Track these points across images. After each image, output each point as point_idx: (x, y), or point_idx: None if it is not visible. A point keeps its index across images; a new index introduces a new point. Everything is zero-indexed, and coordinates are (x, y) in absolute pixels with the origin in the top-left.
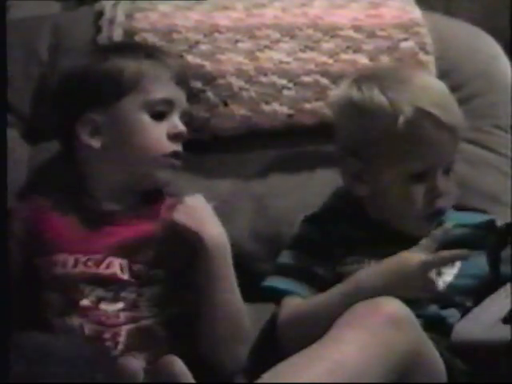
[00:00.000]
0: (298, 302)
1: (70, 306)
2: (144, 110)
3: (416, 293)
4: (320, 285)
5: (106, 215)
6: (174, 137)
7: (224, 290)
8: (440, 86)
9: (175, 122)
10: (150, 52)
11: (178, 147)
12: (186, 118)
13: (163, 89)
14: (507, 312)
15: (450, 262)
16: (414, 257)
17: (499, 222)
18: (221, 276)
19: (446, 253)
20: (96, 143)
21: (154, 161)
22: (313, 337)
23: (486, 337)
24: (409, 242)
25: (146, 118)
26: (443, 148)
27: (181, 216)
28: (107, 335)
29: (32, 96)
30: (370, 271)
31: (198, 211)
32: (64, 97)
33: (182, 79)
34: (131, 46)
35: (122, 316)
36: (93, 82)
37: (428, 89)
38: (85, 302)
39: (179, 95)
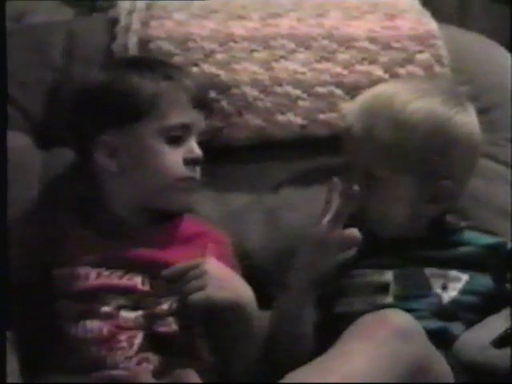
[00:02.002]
0: None
1: (90, 312)
2: (160, 135)
3: (333, 252)
4: (325, 301)
5: (125, 230)
6: (190, 162)
7: (256, 329)
8: (373, 94)
9: (191, 147)
10: (167, 72)
11: (194, 172)
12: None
13: (180, 113)
14: (496, 336)
15: (343, 209)
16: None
17: (510, 245)
18: (255, 321)
19: (339, 203)
20: (112, 166)
21: (170, 185)
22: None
23: (478, 359)
24: (413, 254)
25: (162, 144)
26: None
27: (214, 292)
28: (123, 337)
29: (45, 102)
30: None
31: (227, 279)
32: (80, 117)
33: (199, 102)
34: (149, 64)
35: (140, 322)
36: (109, 103)
37: (363, 96)
38: (106, 309)
39: (197, 119)
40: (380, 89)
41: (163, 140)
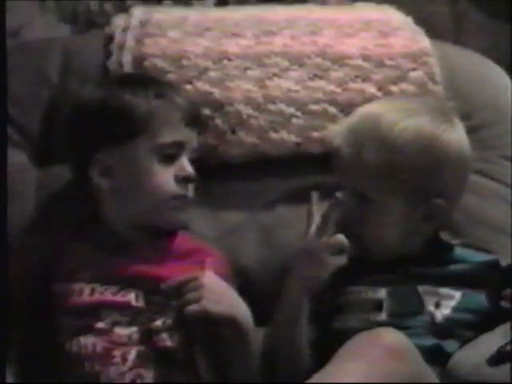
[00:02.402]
0: None
1: (85, 328)
2: (153, 153)
3: (323, 260)
4: (320, 318)
5: (120, 246)
6: (182, 180)
7: (252, 345)
8: (360, 116)
9: (183, 165)
10: (160, 90)
11: (186, 190)
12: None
13: (173, 131)
14: (492, 354)
15: (327, 216)
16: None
17: (503, 262)
18: (251, 337)
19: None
20: (105, 184)
21: (162, 204)
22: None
23: (473, 377)
24: (406, 272)
25: (154, 162)
26: (343, 169)
27: (210, 305)
28: (117, 353)
29: (42, 119)
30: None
31: (224, 294)
32: (74, 136)
33: (192, 119)
34: (141, 82)
35: (134, 338)
36: (102, 123)
37: (350, 118)
38: (100, 325)
39: (189, 136)
40: (367, 110)
41: (155, 158)
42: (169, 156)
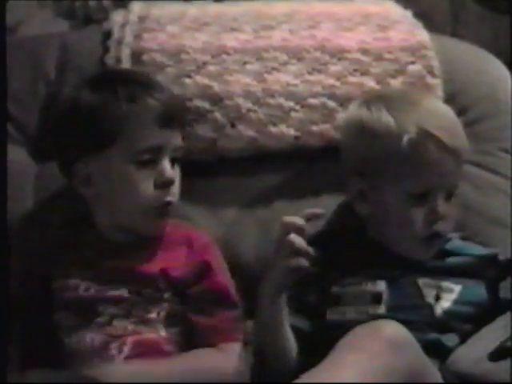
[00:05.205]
0: None
1: (84, 323)
2: (129, 160)
3: (279, 264)
4: (311, 311)
5: (111, 246)
6: (162, 185)
7: None
8: (446, 110)
9: (163, 170)
10: (130, 93)
11: (167, 196)
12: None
13: (147, 136)
14: (493, 349)
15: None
16: None
17: (503, 255)
18: None
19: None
20: (87, 192)
21: (144, 212)
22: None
23: (473, 372)
24: (406, 264)
25: (132, 170)
26: (445, 171)
27: None
28: (114, 345)
29: (39, 115)
30: None
31: None
32: (57, 145)
33: (168, 120)
34: (112, 84)
35: (130, 329)
36: (78, 132)
37: (435, 112)
38: (99, 320)
39: (166, 137)
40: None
41: (133, 166)
42: (146, 161)
